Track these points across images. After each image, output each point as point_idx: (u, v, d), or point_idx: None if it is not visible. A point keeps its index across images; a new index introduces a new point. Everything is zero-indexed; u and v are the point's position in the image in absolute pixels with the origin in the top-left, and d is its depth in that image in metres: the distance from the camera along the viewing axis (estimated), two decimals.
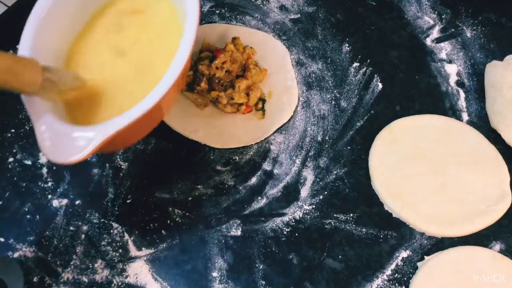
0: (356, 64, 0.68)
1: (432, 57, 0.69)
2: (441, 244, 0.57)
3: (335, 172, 0.61)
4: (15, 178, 0.59)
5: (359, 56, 0.69)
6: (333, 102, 0.65)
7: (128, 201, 0.58)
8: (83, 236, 0.56)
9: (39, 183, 0.59)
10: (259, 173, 0.60)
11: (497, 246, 0.57)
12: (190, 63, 0.61)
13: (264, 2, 0.73)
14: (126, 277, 0.54)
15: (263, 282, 0.54)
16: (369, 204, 0.59)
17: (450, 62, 0.69)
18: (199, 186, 0.59)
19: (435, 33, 0.71)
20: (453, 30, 0.71)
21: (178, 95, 0.59)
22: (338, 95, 0.66)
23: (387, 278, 0.55)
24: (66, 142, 0.44)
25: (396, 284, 0.55)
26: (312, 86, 0.66)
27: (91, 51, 0.54)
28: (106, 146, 0.44)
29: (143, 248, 0.56)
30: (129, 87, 0.51)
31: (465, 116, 0.65)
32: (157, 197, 0.58)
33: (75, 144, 0.43)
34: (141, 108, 0.45)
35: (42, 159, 0.60)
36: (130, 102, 0.47)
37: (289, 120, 0.64)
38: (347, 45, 0.69)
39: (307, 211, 0.58)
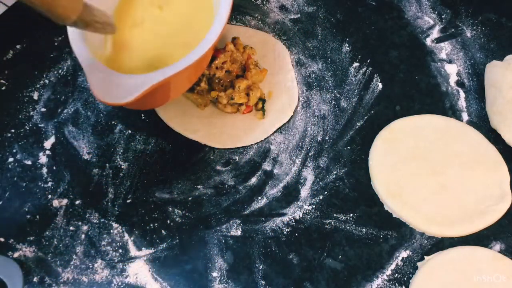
0: (356, 64, 0.68)
1: (432, 57, 0.69)
2: (441, 244, 0.57)
3: (335, 172, 0.61)
4: (15, 178, 0.59)
5: (359, 56, 0.69)
6: (333, 102, 0.65)
7: (128, 201, 0.58)
8: (83, 236, 0.56)
9: (39, 183, 0.59)
10: (259, 173, 0.60)
11: (497, 246, 0.57)
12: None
13: (264, 2, 0.73)
14: (126, 277, 0.54)
15: (263, 282, 0.54)
16: (369, 204, 0.59)
17: (450, 62, 0.69)
18: (199, 186, 0.59)
19: (435, 33, 0.71)
20: (453, 30, 0.71)
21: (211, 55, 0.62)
22: (338, 95, 0.66)
23: (387, 278, 0.55)
24: (117, 87, 0.48)
25: (396, 284, 0.55)
26: (312, 86, 0.66)
27: (135, 8, 0.58)
28: (149, 97, 0.49)
29: (143, 248, 0.56)
30: (169, 44, 0.56)
31: (465, 116, 0.65)
32: (157, 197, 0.59)
33: (125, 89, 0.47)
34: (191, 58, 0.50)
35: (42, 159, 0.60)
36: (167, 59, 0.53)
37: (289, 120, 0.64)
38: (347, 45, 0.69)
39: (307, 211, 0.58)
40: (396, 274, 0.55)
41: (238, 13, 0.71)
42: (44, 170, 0.60)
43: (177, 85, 0.55)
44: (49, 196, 0.58)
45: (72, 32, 0.51)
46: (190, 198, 0.59)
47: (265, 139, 0.62)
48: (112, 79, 0.48)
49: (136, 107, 0.60)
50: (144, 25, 0.57)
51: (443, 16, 0.73)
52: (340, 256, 0.56)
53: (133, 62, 0.55)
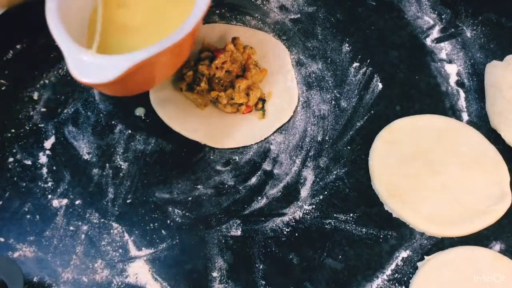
0: (356, 64, 0.68)
1: (432, 57, 0.69)
2: (441, 244, 0.57)
3: (335, 172, 0.61)
4: (15, 178, 0.59)
5: (359, 56, 0.69)
6: (333, 102, 0.65)
7: (128, 201, 0.58)
8: (83, 236, 0.56)
9: (39, 183, 0.59)
10: (259, 173, 0.60)
11: (497, 246, 0.57)
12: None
13: (264, 2, 0.73)
14: (126, 277, 0.54)
15: (263, 282, 0.54)
16: (369, 204, 0.59)
17: (450, 62, 0.69)
18: (199, 186, 0.59)
19: (435, 33, 0.71)
20: (453, 30, 0.71)
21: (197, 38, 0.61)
22: (338, 95, 0.66)
23: (387, 278, 0.55)
24: (97, 67, 0.47)
25: (396, 284, 0.55)
26: (312, 86, 0.66)
27: None
28: (131, 80, 0.48)
29: (143, 248, 0.56)
30: (155, 24, 0.56)
31: (465, 116, 0.65)
32: (157, 197, 0.58)
33: (106, 69, 0.46)
34: (174, 38, 0.48)
35: (42, 159, 0.60)
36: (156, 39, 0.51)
37: (289, 120, 0.64)
38: (347, 45, 0.69)
39: (307, 211, 0.58)
40: (396, 274, 0.55)
41: (238, 13, 0.71)
42: (44, 170, 0.60)
43: (161, 67, 0.54)
44: (49, 196, 0.58)
45: (51, 14, 0.50)
46: (190, 198, 0.59)
47: (265, 139, 0.62)
48: (92, 60, 0.47)
49: (121, 91, 0.58)
50: (131, 6, 0.57)
51: (443, 16, 0.73)
52: (340, 256, 0.56)
53: (123, 44, 0.55)
